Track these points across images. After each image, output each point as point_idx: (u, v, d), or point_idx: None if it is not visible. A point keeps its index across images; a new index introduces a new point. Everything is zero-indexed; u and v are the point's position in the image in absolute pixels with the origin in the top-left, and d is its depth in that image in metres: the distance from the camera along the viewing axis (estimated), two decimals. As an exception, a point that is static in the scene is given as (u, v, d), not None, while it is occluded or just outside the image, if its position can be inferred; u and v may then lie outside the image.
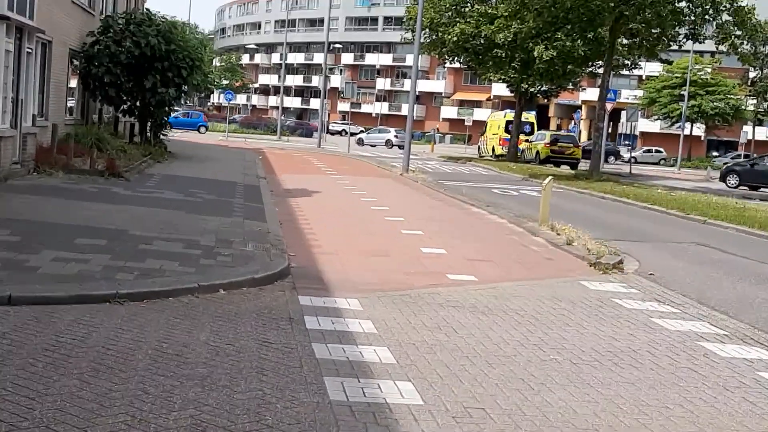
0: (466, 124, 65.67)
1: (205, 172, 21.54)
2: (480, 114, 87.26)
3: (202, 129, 58.80)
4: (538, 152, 45.46)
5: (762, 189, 34.40)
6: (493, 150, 50.07)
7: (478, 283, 9.72)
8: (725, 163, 46.65)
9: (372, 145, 61.44)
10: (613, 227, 17.23)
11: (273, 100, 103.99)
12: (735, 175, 35.80)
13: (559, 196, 23.56)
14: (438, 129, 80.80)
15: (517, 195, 24.39)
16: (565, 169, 41.07)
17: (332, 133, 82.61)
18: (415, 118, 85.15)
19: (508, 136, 50.05)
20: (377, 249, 11.74)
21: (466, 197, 20.62)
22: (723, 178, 35.99)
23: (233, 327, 6.72)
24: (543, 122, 78.71)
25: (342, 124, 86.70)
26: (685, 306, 9.16)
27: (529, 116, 52.10)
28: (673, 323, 8.23)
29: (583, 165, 42.12)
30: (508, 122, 51.12)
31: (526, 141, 48.35)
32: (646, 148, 71.75)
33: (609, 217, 19.63)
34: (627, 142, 71.64)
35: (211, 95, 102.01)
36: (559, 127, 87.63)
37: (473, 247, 12.58)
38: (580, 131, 67.86)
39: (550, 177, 15.63)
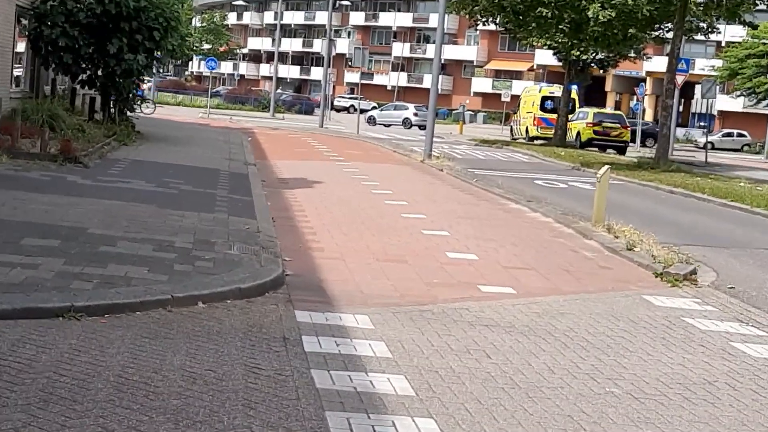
0: (502, 99, 65.58)
1: (181, 157, 21.61)
2: (520, 87, 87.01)
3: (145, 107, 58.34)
4: (579, 134, 45.90)
5: None
6: (527, 132, 50.57)
7: (517, 296, 9.71)
8: None
9: (385, 125, 61.57)
10: (684, 229, 17.13)
11: (265, 69, 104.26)
12: None
13: (618, 189, 23.48)
14: (466, 105, 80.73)
15: (566, 188, 24.33)
16: (612, 153, 41.10)
17: (338, 110, 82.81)
18: (440, 92, 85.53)
19: (545, 116, 50.76)
20: (392, 253, 11.74)
21: (502, 190, 20.62)
22: None
23: (214, 349, 6.72)
24: (598, 98, 78.72)
25: (350, 98, 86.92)
26: (774, 327, 9.11)
27: (570, 91, 52.18)
28: (758, 349, 8.18)
29: (633, 150, 42.21)
30: (544, 99, 51.75)
31: (569, 121, 48.71)
32: (725, 131, 71.50)
33: (679, 216, 19.54)
34: (702, 123, 71.40)
35: (190, 63, 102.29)
36: (618, 105, 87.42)
37: (511, 251, 12.56)
38: (643, 109, 67.45)
39: (606, 166, 15.60)
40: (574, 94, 50.35)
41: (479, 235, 13.81)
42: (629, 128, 47.39)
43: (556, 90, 53.94)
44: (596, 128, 45.18)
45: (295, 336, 7.30)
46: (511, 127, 54.12)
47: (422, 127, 59.90)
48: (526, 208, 17.97)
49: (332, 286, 9.38)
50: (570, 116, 48.07)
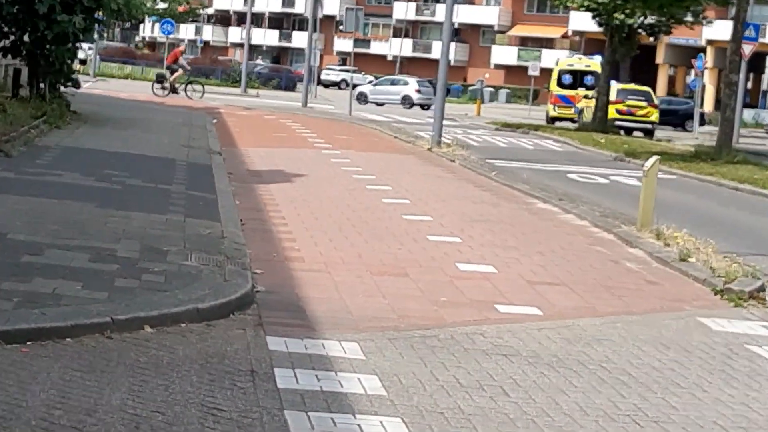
0: (530, 73, 65.47)
1: (128, 144, 21.59)
2: (551, 58, 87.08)
3: None
4: None
5: None
6: (547, 113, 52.15)
7: (544, 318, 9.70)
8: None
9: (378, 104, 61.31)
10: (751, 235, 17.09)
11: (235, 34, 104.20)
12: None
13: (670, 185, 23.47)
14: (485, 80, 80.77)
15: (607, 183, 24.33)
16: (655, 140, 41.36)
17: (326, 85, 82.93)
18: (452, 63, 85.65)
19: (563, 92, 52.18)
20: (390, 264, 11.72)
21: (527, 186, 20.62)
22: None
23: (164, 385, 6.70)
24: (647, 72, 78.72)
25: (341, 71, 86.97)
26: None
27: (592, 63, 52.92)
28: (843, 385, 8.15)
29: (661, 132, 42.44)
30: (561, 72, 53.31)
31: (585, 98, 49.98)
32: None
33: (746, 219, 19.52)
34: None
35: (141, 26, 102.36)
36: (672, 80, 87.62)
37: (537, 263, 12.55)
38: (703, 86, 67.57)
39: (655, 157, 15.60)
40: (596, 67, 51.40)
41: (498, 243, 13.78)
42: (657, 107, 48.67)
43: (577, 62, 54.68)
44: (618, 107, 46.38)
45: (266, 369, 7.27)
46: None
47: (426, 107, 60.19)
48: (556, 208, 17.95)
49: (314, 306, 9.35)
50: (590, 93, 49.34)
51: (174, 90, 45.64)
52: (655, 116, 47.88)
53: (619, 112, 46.63)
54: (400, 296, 10.12)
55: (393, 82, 66.86)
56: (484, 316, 9.60)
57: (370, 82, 73.09)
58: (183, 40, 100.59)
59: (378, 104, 60.72)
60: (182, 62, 47.31)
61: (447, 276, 11.30)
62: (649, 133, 46.52)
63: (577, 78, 53.36)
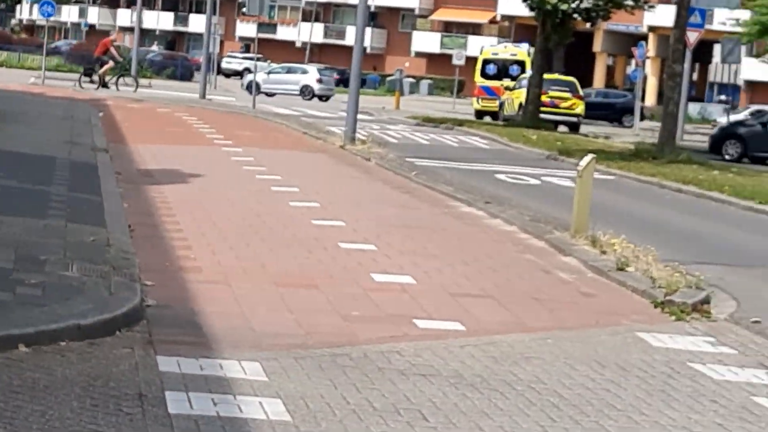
0: (454, 62, 65.82)
1: (1, 141, 21.28)
2: (478, 45, 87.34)
3: None
4: (521, 105, 47.88)
5: None
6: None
7: (467, 334, 9.72)
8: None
9: (268, 94, 60.05)
10: (695, 241, 17.34)
11: (125, 17, 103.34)
12: (737, 142, 37.65)
13: (608, 187, 23.73)
14: (405, 70, 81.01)
15: (538, 184, 24.52)
16: (581, 134, 42.07)
17: (227, 75, 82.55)
18: (368, 51, 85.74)
19: (487, 83, 53.16)
20: (298, 275, 11.70)
21: (451, 188, 20.71)
22: (716, 146, 37.67)
23: (40, 411, 6.62)
24: (584, 61, 79.53)
25: (244, 59, 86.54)
26: (814, 376, 9.26)
27: (518, 52, 53.81)
28: (792, 406, 8.30)
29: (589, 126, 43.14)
30: (485, 62, 54.34)
31: (507, 89, 50.86)
32: (753, 107, 72.53)
33: (689, 223, 19.79)
34: (722, 97, 72.67)
35: (18, 7, 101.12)
36: (610, 70, 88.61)
37: (461, 273, 12.60)
38: (645, 76, 68.45)
39: (591, 156, 15.72)
40: (522, 56, 52.64)
41: (418, 250, 13.81)
42: (583, 98, 49.69)
43: (502, 50, 55.42)
44: (541, 98, 46.96)
45: (156, 392, 7.22)
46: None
47: (325, 98, 60.21)
48: (482, 212, 18.03)
49: (211, 322, 9.31)
50: (511, 84, 50.45)
51: (104, 84, 45.70)
52: (580, 108, 48.82)
53: (541, 104, 47.28)
54: (308, 310, 10.09)
55: (290, 71, 66.14)
56: (402, 332, 9.60)
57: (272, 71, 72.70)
58: (66, 23, 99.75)
59: (268, 95, 59.50)
60: (113, 53, 47.38)
61: (361, 288, 11.29)
62: (574, 127, 47.49)
63: (503, 68, 54.00)
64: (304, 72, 65.62)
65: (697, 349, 9.84)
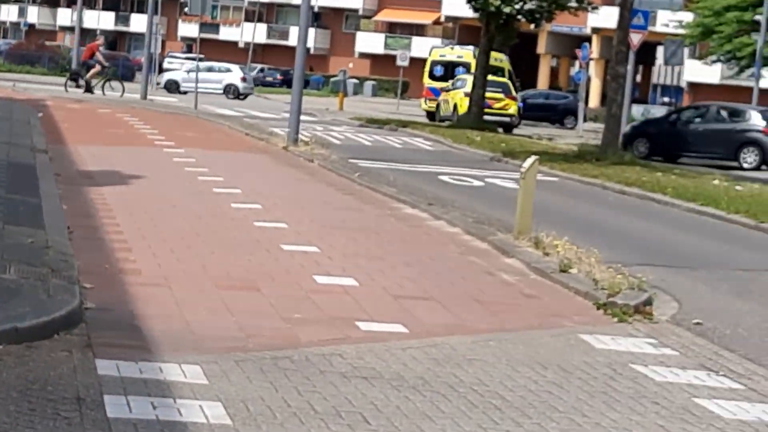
0: (398, 63, 65.88)
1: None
2: (423, 47, 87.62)
3: None
4: (455, 106, 49.26)
5: (682, 159, 36.50)
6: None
7: (410, 337, 9.74)
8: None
9: (183, 92, 58.82)
10: (638, 243, 17.46)
11: (65, 17, 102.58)
12: (646, 141, 38.16)
13: (551, 188, 23.86)
14: (349, 71, 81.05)
15: (482, 186, 24.60)
16: (534, 138, 42.52)
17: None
18: (312, 51, 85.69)
19: (434, 84, 54.48)
20: (239, 277, 11.68)
21: (394, 189, 20.73)
22: (627, 143, 38.00)
23: (-23, 416, 6.56)
24: (528, 63, 79.88)
25: (186, 60, 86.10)
26: (754, 379, 9.35)
27: (465, 54, 55.59)
28: (730, 407, 8.37)
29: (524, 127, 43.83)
30: (433, 63, 55.87)
31: (443, 90, 52.22)
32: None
33: (632, 225, 19.94)
34: (665, 99, 73.40)
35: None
36: (554, 72, 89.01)
37: (404, 275, 12.62)
38: (588, 78, 68.81)
39: (534, 157, 15.79)
40: (468, 57, 53.79)
41: (361, 253, 13.83)
42: (516, 99, 51.13)
43: (449, 52, 56.34)
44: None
45: (95, 396, 7.17)
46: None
47: (241, 96, 60.46)
48: (426, 214, 18.06)
49: (151, 325, 9.27)
50: (448, 85, 51.67)
51: (89, 89, 45.64)
52: (513, 109, 50.11)
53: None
54: (249, 313, 10.08)
55: (211, 69, 65.82)
56: (344, 334, 9.61)
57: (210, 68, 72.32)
58: (5, 23, 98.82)
59: (182, 92, 58.60)
60: (99, 58, 47.39)
61: (303, 290, 11.28)
62: (508, 127, 48.44)
63: (450, 69, 54.59)
64: (228, 71, 65.51)
65: (639, 351, 9.90)
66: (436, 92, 53.63)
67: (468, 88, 48.58)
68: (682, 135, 36.98)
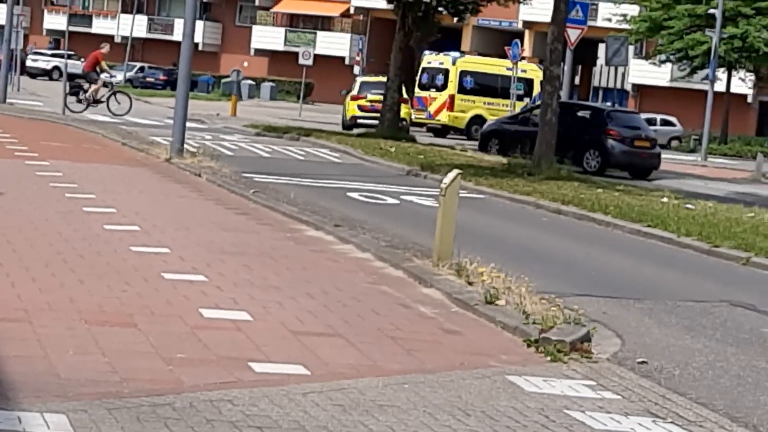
0: (301, 62, 66.02)
1: None
2: (330, 43, 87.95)
3: None
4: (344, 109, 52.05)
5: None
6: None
7: (312, 379, 9.72)
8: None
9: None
10: (576, 270, 17.60)
11: None
12: (497, 141, 42.40)
13: (476, 207, 23.99)
14: (244, 70, 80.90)
15: (397, 205, 24.64)
16: (459, 150, 43.17)
17: (33, 75, 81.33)
18: (201, 48, 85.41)
19: (422, 95, 58.12)
20: (113, 311, 11.59)
21: (295, 208, 20.71)
22: (483, 144, 43.03)
23: None
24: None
25: (53, 57, 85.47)
26: (706, 426, 9.45)
27: (445, 60, 58.84)
28: (681, 458, 8.48)
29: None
30: (422, 72, 59.17)
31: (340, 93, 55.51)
32: (644, 116, 74.27)
33: (569, 249, 20.08)
34: (609, 103, 73.84)
35: None
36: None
37: (305, 307, 12.60)
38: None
39: (456, 171, 15.82)
40: (447, 64, 57.55)
41: (256, 282, 13.79)
42: (407, 100, 52.95)
43: (434, 59, 60.48)
44: (360, 102, 51.71)
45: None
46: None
47: (85, 101, 59.79)
48: (331, 237, 18.08)
49: (9, 367, 9.17)
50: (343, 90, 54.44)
51: (95, 102, 45.25)
52: (404, 112, 51.23)
53: (361, 108, 51.45)
54: (124, 353, 9.99)
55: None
56: (235, 377, 9.56)
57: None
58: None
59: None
60: (104, 67, 46.95)
61: (187, 326, 11.22)
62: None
63: (432, 77, 58.73)
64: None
65: (575, 395, 9.96)
66: (421, 102, 57.03)
67: (355, 90, 51.98)
68: (530, 135, 38.04)
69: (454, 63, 58.26)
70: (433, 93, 57.69)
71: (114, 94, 46.94)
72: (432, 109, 57.19)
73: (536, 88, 54.90)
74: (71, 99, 45.54)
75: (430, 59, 59.55)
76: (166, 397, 8.80)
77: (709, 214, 25.17)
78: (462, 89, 57.77)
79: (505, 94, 56.26)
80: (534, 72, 57.12)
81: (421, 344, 11.46)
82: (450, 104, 56.73)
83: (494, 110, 55.92)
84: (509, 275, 14.25)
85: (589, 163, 39.26)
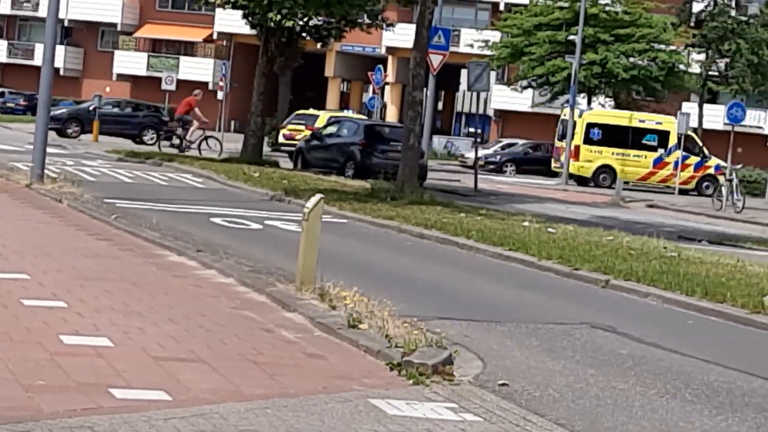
0: (164, 87, 65.73)
1: None
2: (192, 68, 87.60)
3: None
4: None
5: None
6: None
7: (173, 405, 9.67)
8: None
9: None
10: (438, 294, 17.69)
11: None
12: (300, 156, 47.57)
13: (339, 232, 24.03)
14: (105, 96, 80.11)
15: (261, 230, 24.59)
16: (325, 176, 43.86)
17: None
18: (62, 73, 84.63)
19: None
20: (-31, 339, 11.42)
21: (157, 234, 20.58)
22: (296, 159, 48.27)
23: None
24: (315, 87, 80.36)
25: None
26: (565, 445, 9.58)
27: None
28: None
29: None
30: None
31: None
32: (506, 141, 75.05)
33: (432, 273, 20.18)
34: (471, 130, 74.62)
35: None
36: (345, 97, 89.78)
37: (167, 333, 12.53)
38: (384, 105, 69.70)
39: (318, 196, 15.84)
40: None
41: (117, 307, 13.67)
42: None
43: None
44: (284, 131, 57.37)
45: None
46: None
47: None
48: (194, 262, 17.99)
49: None
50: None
51: (186, 146, 47.09)
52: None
53: (284, 136, 56.09)
54: (-18, 380, 9.88)
55: None
56: (95, 403, 9.47)
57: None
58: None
59: None
60: (197, 113, 48.18)
61: (47, 352, 11.08)
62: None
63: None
64: None
65: (437, 417, 10.01)
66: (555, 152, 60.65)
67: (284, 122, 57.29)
68: (316, 149, 46.64)
69: (580, 115, 59.62)
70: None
71: (205, 138, 48.20)
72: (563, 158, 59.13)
73: (672, 140, 57.94)
74: (165, 143, 47.01)
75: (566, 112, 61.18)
76: (25, 424, 8.70)
77: (570, 237, 25.40)
78: (588, 140, 59.29)
79: (637, 145, 58.92)
80: (669, 124, 58.96)
81: (283, 369, 11.46)
82: (575, 154, 58.68)
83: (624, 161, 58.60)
84: (372, 299, 14.30)
85: (347, 173, 43.74)
